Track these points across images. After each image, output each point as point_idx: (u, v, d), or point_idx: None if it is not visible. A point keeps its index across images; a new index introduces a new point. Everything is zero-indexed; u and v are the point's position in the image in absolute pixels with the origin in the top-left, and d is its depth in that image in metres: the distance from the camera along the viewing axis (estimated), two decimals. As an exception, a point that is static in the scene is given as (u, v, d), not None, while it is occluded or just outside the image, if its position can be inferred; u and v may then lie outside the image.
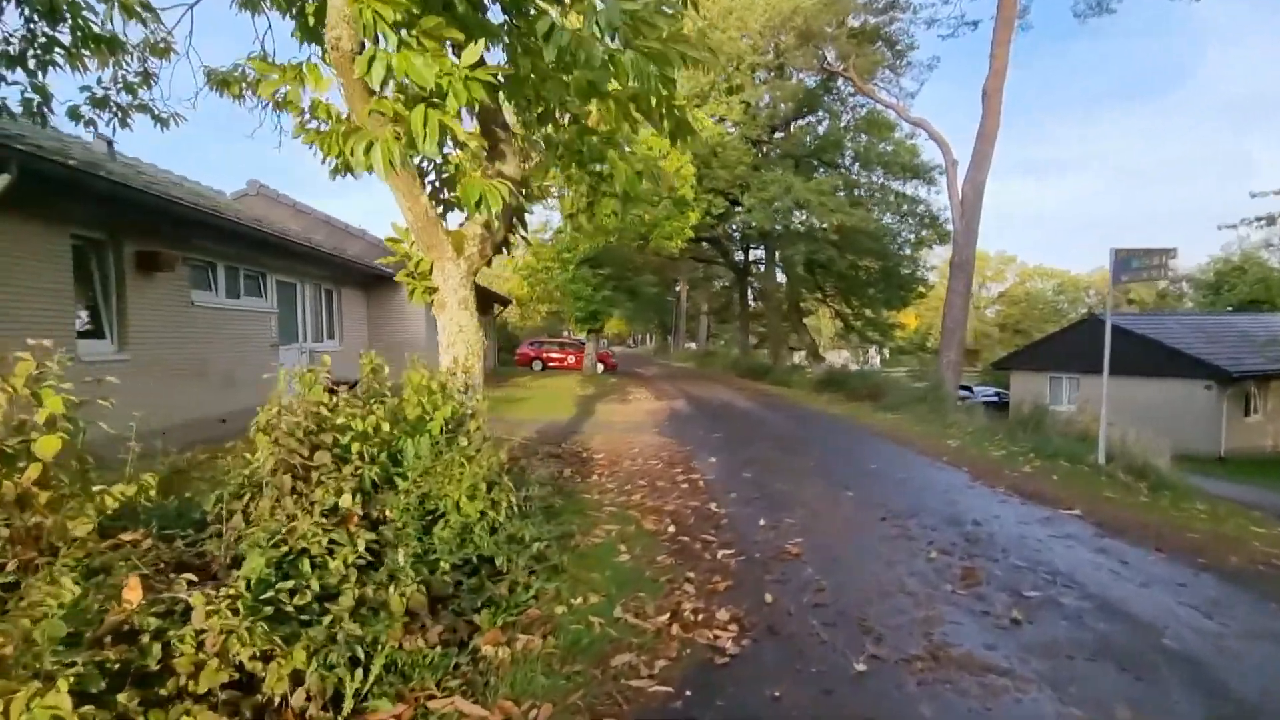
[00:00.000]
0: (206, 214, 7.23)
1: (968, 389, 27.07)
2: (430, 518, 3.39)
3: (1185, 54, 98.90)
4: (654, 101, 4.57)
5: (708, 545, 4.94)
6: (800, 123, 25.98)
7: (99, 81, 5.85)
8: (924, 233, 25.13)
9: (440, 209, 5.51)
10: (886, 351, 70.68)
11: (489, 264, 5.27)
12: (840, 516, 5.79)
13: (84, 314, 6.67)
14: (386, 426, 3.31)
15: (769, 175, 20.31)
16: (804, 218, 21.52)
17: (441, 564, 3.24)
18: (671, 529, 5.32)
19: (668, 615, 3.62)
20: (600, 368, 27.48)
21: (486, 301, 24.04)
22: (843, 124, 25.07)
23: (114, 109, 5.97)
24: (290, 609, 2.45)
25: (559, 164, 5.50)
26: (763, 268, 30.67)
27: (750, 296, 34.44)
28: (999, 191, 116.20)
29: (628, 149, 5.51)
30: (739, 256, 32.60)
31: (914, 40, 22.51)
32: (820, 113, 25.52)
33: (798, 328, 32.95)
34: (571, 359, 28.13)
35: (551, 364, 28.72)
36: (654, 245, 18.85)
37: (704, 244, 33.03)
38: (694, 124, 5.28)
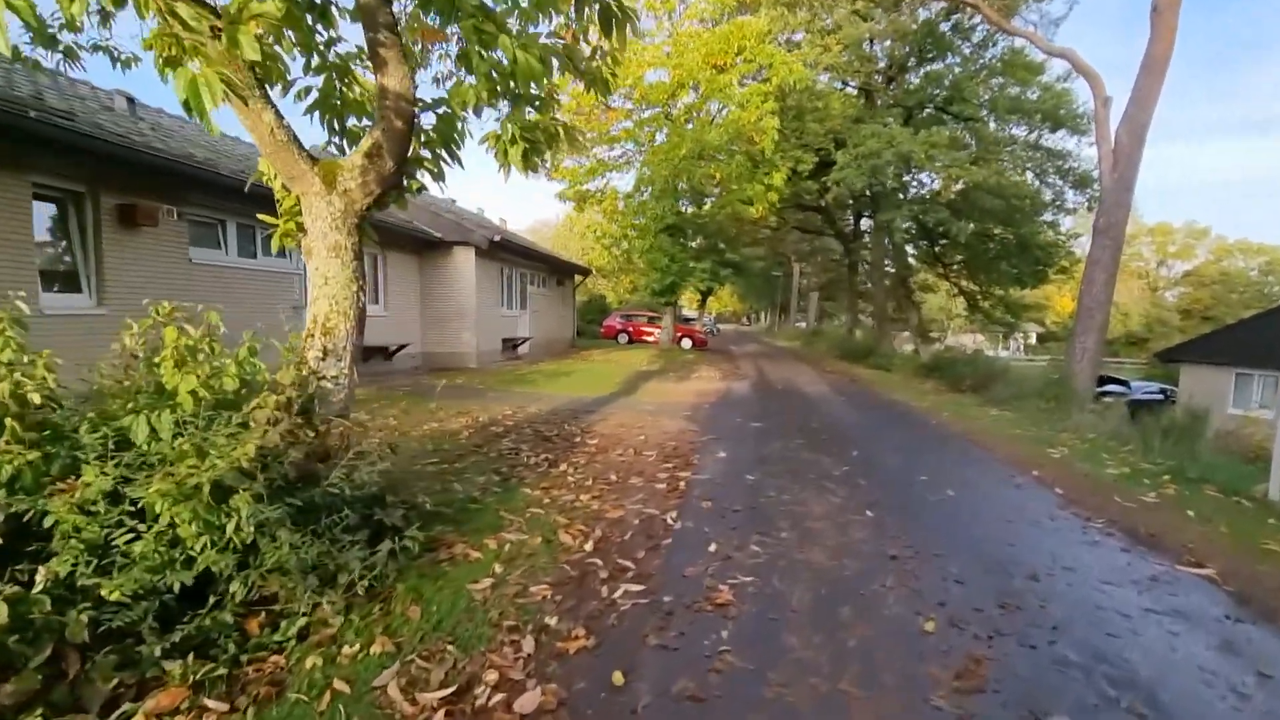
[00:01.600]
0: (176, 161, 6.90)
1: (1123, 384, 22.46)
2: (122, 528, 2.49)
3: None
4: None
5: (616, 575, 3.71)
6: (924, 70, 22.47)
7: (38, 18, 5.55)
8: (1071, 195, 20.82)
9: (338, 137, 4.61)
10: (1032, 336, 62.69)
11: (380, 204, 4.28)
12: (832, 547, 4.27)
13: (60, 266, 6.59)
14: (37, 398, 2.46)
15: (868, 128, 17.52)
16: (911, 177, 18.49)
17: (107, 592, 2.32)
18: (589, 545, 4.13)
19: (447, 692, 2.50)
20: (688, 344, 26.13)
21: (564, 272, 23.49)
22: (975, 66, 21.17)
23: (60, 48, 5.67)
24: None
25: (485, 82, 4.36)
26: (871, 237, 27.50)
27: (861, 272, 31.31)
28: (1191, 151, 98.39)
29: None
30: (849, 227, 29.60)
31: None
32: (949, 55, 21.80)
33: (903, 305, 29.40)
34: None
35: (643, 337, 27.88)
36: (729, 211, 16.98)
37: (817, 214, 30.33)
38: (632, 12, 3.93)
